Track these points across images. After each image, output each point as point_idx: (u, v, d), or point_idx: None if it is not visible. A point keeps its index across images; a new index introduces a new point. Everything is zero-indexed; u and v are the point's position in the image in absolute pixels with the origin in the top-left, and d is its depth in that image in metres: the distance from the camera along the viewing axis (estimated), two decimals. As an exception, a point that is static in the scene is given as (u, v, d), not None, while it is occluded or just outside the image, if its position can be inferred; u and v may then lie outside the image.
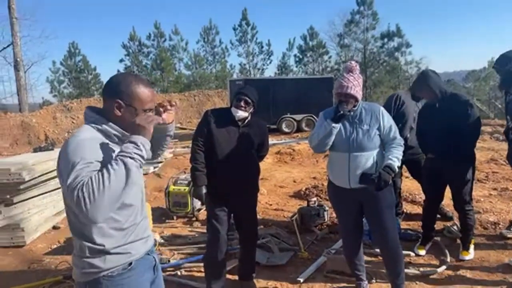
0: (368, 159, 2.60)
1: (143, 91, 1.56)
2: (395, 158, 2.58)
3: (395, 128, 2.69)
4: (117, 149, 1.50)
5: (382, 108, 2.70)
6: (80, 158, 1.38)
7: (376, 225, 2.75)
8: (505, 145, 9.50)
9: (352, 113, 2.65)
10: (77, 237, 1.52)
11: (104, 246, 1.50)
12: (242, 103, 2.87)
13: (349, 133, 2.64)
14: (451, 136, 3.30)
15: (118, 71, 32.91)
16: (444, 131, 3.32)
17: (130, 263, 1.58)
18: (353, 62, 2.70)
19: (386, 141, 2.69)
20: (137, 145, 1.43)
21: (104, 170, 1.35)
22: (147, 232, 1.72)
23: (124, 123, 1.55)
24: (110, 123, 1.54)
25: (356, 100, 2.64)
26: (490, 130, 11.76)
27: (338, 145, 2.69)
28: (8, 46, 20.94)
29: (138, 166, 1.42)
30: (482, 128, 3.95)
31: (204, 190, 2.89)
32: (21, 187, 4.42)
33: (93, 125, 1.53)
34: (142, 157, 1.44)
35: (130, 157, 1.39)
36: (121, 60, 32.78)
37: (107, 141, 1.52)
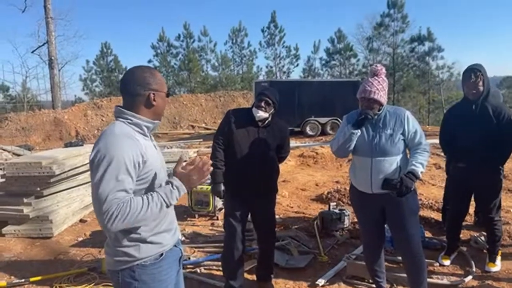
0: (391, 164, 2.55)
1: (161, 77, 1.72)
2: (419, 164, 2.51)
3: (420, 133, 2.61)
4: (144, 140, 1.62)
5: (407, 112, 2.63)
6: (115, 157, 1.47)
7: (398, 232, 2.68)
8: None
9: (375, 117, 2.61)
10: None
11: (140, 234, 1.58)
12: (263, 104, 2.88)
13: (371, 138, 2.59)
14: (487, 143, 3.16)
15: (147, 71, 33.62)
16: (481, 138, 3.16)
17: (161, 254, 1.66)
18: (378, 65, 2.64)
19: (411, 146, 2.62)
20: (179, 196, 1.59)
21: (143, 203, 1.49)
22: (175, 224, 1.79)
23: (158, 109, 1.69)
24: (141, 116, 1.64)
25: (380, 104, 2.59)
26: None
27: (360, 150, 2.65)
28: (43, 44, 21.84)
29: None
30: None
31: (222, 187, 2.93)
32: (51, 180, 4.60)
33: (124, 120, 1.63)
34: (174, 201, 1.59)
35: (167, 205, 1.55)
36: (149, 61, 33.55)
37: (137, 135, 1.61)
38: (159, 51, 33.46)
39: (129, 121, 1.63)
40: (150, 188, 1.60)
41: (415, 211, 2.68)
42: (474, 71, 3.19)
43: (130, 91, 1.65)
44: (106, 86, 33.88)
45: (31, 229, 4.56)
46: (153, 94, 1.66)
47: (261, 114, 2.88)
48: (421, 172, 2.51)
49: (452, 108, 3.62)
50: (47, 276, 3.47)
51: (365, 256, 3.00)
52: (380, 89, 2.55)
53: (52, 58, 20.68)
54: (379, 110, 2.60)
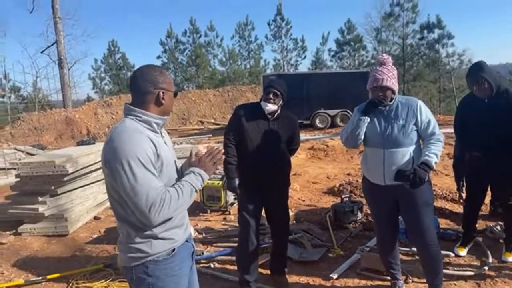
0: (404, 155, 2.51)
1: (169, 76, 1.77)
2: (433, 154, 2.46)
3: (434, 123, 2.56)
4: (154, 136, 1.64)
5: (420, 102, 2.58)
6: (138, 153, 1.50)
7: (412, 223, 2.65)
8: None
9: (387, 108, 2.56)
10: (125, 224, 1.61)
11: (152, 230, 1.60)
12: (271, 96, 2.86)
13: (383, 129, 2.55)
14: (500, 133, 3.12)
15: (155, 68, 33.78)
16: (495, 127, 3.12)
17: (173, 249, 1.67)
18: (384, 55, 2.64)
19: (424, 137, 2.58)
20: (203, 181, 1.68)
21: (177, 192, 1.58)
22: (186, 220, 1.80)
23: (166, 107, 1.73)
24: (150, 113, 1.66)
25: (393, 92, 2.56)
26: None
27: (372, 141, 2.62)
28: (52, 44, 22.03)
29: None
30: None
31: (237, 182, 2.93)
32: (65, 179, 4.65)
33: (133, 117, 1.65)
34: (199, 186, 1.68)
35: (196, 190, 1.65)
36: (158, 57, 33.65)
37: (147, 131, 1.63)
38: (167, 47, 33.53)
39: (138, 118, 1.65)
40: (166, 182, 1.62)
41: (430, 202, 2.64)
42: (477, 81, 3.15)
43: (140, 88, 1.67)
44: (115, 84, 34.10)
45: (47, 227, 4.63)
46: (163, 92, 1.69)
47: (270, 107, 2.86)
48: (435, 163, 2.46)
49: (465, 99, 3.54)
50: (63, 273, 3.52)
51: (379, 248, 2.97)
52: (390, 76, 2.53)
53: (62, 57, 20.87)
54: (391, 101, 2.56)
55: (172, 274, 1.67)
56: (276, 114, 2.93)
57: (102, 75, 34.19)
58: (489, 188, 3.58)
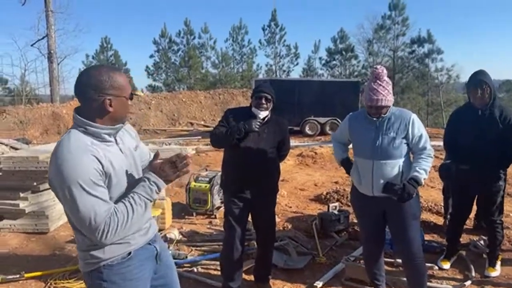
0: (393, 167, 2.51)
1: (123, 79, 1.58)
2: (423, 170, 2.47)
3: (425, 138, 2.56)
4: (105, 147, 1.54)
5: (413, 116, 2.57)
6: (80, 177, 1.41)
7: (399, 235, 2.65)
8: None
9: (380, 119, 2.56)
10: (77, 231, 1.56)
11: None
12: (263, 101, 2.83)
13: (374, 139, 2.54)
14: (491, 146, 3.16)
15: (147, 66, 33.68)
16: (486, 140, 3.16)
17: (129, 253, 1.62)
18: (379, 67, 2.55)
19: (415, 151, 2.57)
20: (159, 190, 1.59)
21: (127, 209, 1.50)
22: (148, 223, 1.74)
23: (116, 114, 1.58)
24: (98, 124, 1.53)
25: (388, 107, 2.55)
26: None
27: (362, 151, 2.61)
28: (43, 38, 21.67)
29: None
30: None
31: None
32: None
33: (80, 128, 1.53)
34: (156, 195, 1.61)
35: (150, 201, 1.59)
36: (151, 56, 33.48)
37: (96, 144, 1.52)
38: (160, 46, 33.39)
39: (83, 130, 1.52)
40: (119, 194, 1.57)
41: (417, 215, 2.65)
42: (480, 85, 3.15)
43: (84, 95, 1.52)
44: (105, 81, 33.82)
45: (27, 224, 4.51)
46: (109, 99, 1.52)
47: (263, 113, 2.84)
48: (424, 179, 2.47)
49: (458, 111, 3.58)
50: (42, 272, 3.43)
51: (364, 258, 2.97)
52: (386, 94, 2.48)
53: (52, 51, 20.58)
54: (385, 113, 2.56)
55: (130, 278, 1.62)
56: (266, 118, 2.90)
57: (93, 71, 33.85)
58: (475, 202, 3.61)
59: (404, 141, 2.53)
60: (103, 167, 1.48)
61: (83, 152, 1.46)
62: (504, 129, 3.15)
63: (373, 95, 2.46)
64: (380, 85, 2.48)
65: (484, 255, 3.61)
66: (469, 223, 4.46)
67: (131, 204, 1.51)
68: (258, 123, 2.74)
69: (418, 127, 2.55)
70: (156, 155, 1.67)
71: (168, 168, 1.59)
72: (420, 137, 2.54)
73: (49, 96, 21.61)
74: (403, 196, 2.40)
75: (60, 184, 1.42)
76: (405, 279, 2.90)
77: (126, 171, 1.61)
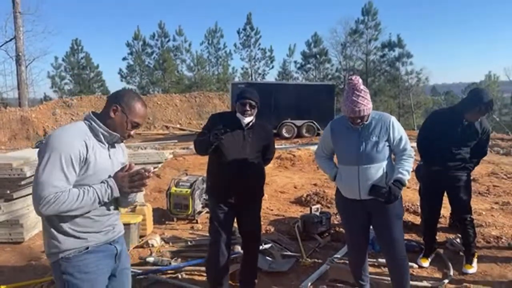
0: (377, 170, 2.58)
1: (139, 107, 1.87)
2: (405, 171, 2.56)
3: (405, 139, 2.65)
4: (97, 145, 1.78)
5: (392, 119, 2.65)
6: (63, 150, 1.64)
7: (384, 235, 2.72)
8: (505, 159, 9.57)
9: (361, 125, 2.61)
10: (43, 218, 1.73)
11: (62, 226, 1.71)
12: (247, 107, 2.83)
13: (357, 146, 2.60)
14: (465, 151, 3.41)
15: (120, 69, 33.01)
16: (461, 146, 3.39)
17: (87, 248, 1.76)
18: (354, 77, 2.58)
19: (396, 152, 2.66)
20: (111, 196, 1.75)
21: (78, 195, 1.65)
22: (111, 226, 1.88)
23: (113, 123, 1.83)
24: (100, 123, 1.80)
25: (369, 115, 2.60)
26: (490, 143, 11.76)
27: (347, 159, 2.67)
28: (10, 40, 20.87)
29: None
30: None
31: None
32: (22, 182, 4.38)
33: (86, 122, 1.81)
34: (106, 199, 1.75)
35: (100, 201, 1.72)
36: (124, 58, 32.81)
37: (92, 138, 1.77)
38: (134, 49, 32.78)
39: (89, 124, 1.80)
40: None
41: (400, 215, 2.73)
42: (490, 108, 3.30)
43: (108, 99, 1.87)
44: (77, 84, 32.84)
45: (1, 234, 4.32)
46: (116, 108, 1.81)
47: (248, 119, 2.85)
48: (407, 180, 2.56)
49: (438, 115, 3.70)
50: (17, 284, 3.30)
51: (349, 259, 3.02)
52: (366, 103, 2.52)
53: (20, 54, 19.83)
54: (366, 120, 2.61)
55: (86, 271, 1.74)
56: (251, 123, 2.91)
57: (63, 73, 32.84)
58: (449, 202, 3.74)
59: (386, 144, 2.60)
60: (87, 154, 1.70)
61: (78, 135, 1.72)
62: (481, 138, 3.43)
63: (355, 107, 2.50)
64: (359, 95, 2.51)
65: (461, 253, 3.75)
66: (445, 221, 4.63)
67: (83, 193, 1.67)
68: (216, 134, 2.67)
69: (398, 130, 2.63)
70: (127, 167, 1.81)
71: (127, 181, 1.77)
72: (400, 139, 2.62)
73: (17, 99, 20.79)
74: (389, 198, 2.49)
75: (46, 148, 1.65)
76: (388, 278, 2.97)
77: (105, 172, 1.78)
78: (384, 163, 2.60)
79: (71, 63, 32.77)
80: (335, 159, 2.90)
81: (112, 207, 1.88)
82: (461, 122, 3.37)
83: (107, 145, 1.83)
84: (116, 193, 1.74)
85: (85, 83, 32.93)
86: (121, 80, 33.24)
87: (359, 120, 2.57)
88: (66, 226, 1.71)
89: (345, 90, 2.63)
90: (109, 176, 1.79)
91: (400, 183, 2.51)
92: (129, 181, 1.76)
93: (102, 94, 27.62)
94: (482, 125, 3.41)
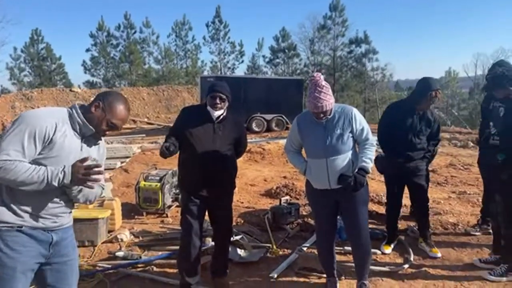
0: (344, 160, 2.71)
1: (120, 109, 1.93)
2: (368, 159, 2.72)
3: (367, 129, 2.80)
4: (70, 134, 1.83)
5: (354, 110, 2.79)
6: (30, 124, 1.70)
7: (350, 221, 2.88)
8: (462, 151, 10.11)
9: (325, 119, 2.72)
10: None
11: (5, 201, 1.75)
12: (218, 101, 2.85)
13: (323, 139, 2.72)
14: (422, 142, 3.68)
15: (84, 61, 31.86)
16: (419, 138, 3.65)
17: (21, 227, 1.77)
18: (315, 74, 2.71)
19: (359, 142, 2.81)
20: (61, 181, 1.74)
21: (28, 169, 1.67)
22: (55, 216, 1.87)
23: (92, 119, 1.89)
24: (80, 114, 1.86)
25: (331, 109, 2.72)
26: (448, 136, 12.39)
27: (315, 152, 2.78)
28: (-36, 29, 19.63)
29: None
30: (442, 134, 4.38)
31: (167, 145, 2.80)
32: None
33: (69, 109, 1.89)
34: (55, 183, 1.74)
35: (48, 182, 1.71)
36: (87, 50, 31.68)
37: (68, 126, 1.83)
38: (98, 40, 31.69)
39: (70, 112, 1.87)
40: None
41: (366, 201, 2.92)
42: (437, 93, 3.55)
43: (97, 95, 1.96)
44: (37, 76, 31.42)
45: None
46: (97, 104, 1.88)
47: (218, 113, 2.88)
48: (371, 167, 2.72)
49: (394, 107, 3.89)
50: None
51: (318, 247, 3.14)
52: (328, 98, 2.64)
53: (-26, 43, 18.70)
54: (329, 114, 2.73)
55: (11, 247, 1.74)
56: (221, 116, 2.94)
57: (22, 65, 31.29)
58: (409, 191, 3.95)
59: (350, 135, 2.74)
60: (54, 135, 1.74)
61: (51, 116, 1.79)
62: (433, 127, 3.72)
63: (317, 102, 2.63)
64: (321, 91, 2.64)
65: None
66: (406, 210, 4.86)
67: (33, 169, 1.69)
68: (167, 148, 2.77)
69: (360, 121, 2.77)
70: (84, 159, 1.80)
71: (82, 172, 1.76)
72: (362, 129, 2.77)
73: (-28, 92, 19.65)
74: (356, 186, 2.65)
75: (17, 120, 1.73)
76: (353, 264, 3.12)
77: (69, 160, 1.79)
78: (350, 153, 2.74)
79: (30, 54, 31.27)
80: (303, 152, 3.00)
81: (62, 198, 1.88)
82: (415, 112, 3.61)
83: (80, 136, 1.88)
84: (67, 180, 1.74)
85: (46, 75, 31.54)
86: (85, 73, 32.17)
87: (322, 115, 2.69)
88: (9, 200, 1.75)
89: (309, 86, 2.74)
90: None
91: (364, 171, 2.67)
92: (84, 173, 1.76)
93: (64, 87, 26.59)
94: (433, 115, 3.72)
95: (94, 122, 1.87)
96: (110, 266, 3.47)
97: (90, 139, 1.94)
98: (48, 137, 1.72)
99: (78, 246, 3.86)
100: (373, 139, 2.83)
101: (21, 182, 1.67)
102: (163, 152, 2.79)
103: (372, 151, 2.77)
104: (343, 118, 2.73)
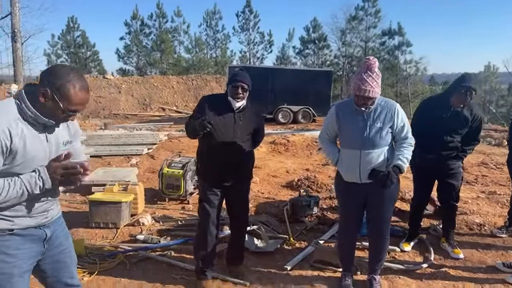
0: (379, 155, 2.64)
1: (75, 92, 1.63)
2: (405, 159, 2.62)
3: (408, 127, 2.70)
4: (28, 130, 1.61)
5: (397, 106, 2.69)
6: None
7: (374, 214, 2.85)
8: (496, 150, 9.68)
9: (367, 110, 2.63)
10: None
11: None
12: (240, 90, 2.83)
13: (362, 130, 2.64)
14: (458, 139, 3.46)
15: (117, 49, 32.67)
16: (452, 134, 3.42)
17: (12, 230, 1.68)
18: (371, 58, 2.56)
19: (397, 139, 2.72)
20: (42, 188, 1.61)
21: (3, 188, 1.54)
22: (45, 211, 1.80)
23: (44, 109, 1.63)
24: (29, 106, 1.61)
25: (375, 99, 2.60)
26: (483, 134, 11.85)
27: (350, 142, 2.71)
28: (6, 16, 20.49)
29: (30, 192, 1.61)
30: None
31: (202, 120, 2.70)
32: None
33: (17, 101, 1.63)
34: (37, 191, 1.61)
35: (29, 193, 1.59)
36: (121, 38, 32.43)
37: (22, 122, 1.60)
38: (132, 29, 32.37)
39: (18, 104, 1.62)
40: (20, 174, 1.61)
41: (394, 198, 2.86)
42: (470, 92, 3.26)
43: (41, 78, 1.63)
44: (73, 62, 32.47)
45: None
46: (45, 92, 1.59)
47: (240, 103, 2.87)
48: (405, 168, 2.63)
49: (428, 103, 3.69)
50: None
51: (341, 240, 3.12)
52: (375, 85, 2.52)
53: (16, 30, 19.51)
54: (372, 104, 2.63)
55: (6, 253, 1.68)
56: (242, 106, 2.93)
57: (59, 51, 32.44)
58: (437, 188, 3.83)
59: (390, 130, 2.65)
60: (11, 143, 1.54)
61: (2, 123, 1.53)
62: (472, 126, 3.44)
63: (362, 85, 2.50)
64: (370, 76, 2.51)
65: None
66: (430, 208, 4.72)
67: (8, 186, 1.56)
68: (202, 123, 2.66)
69: (402, 117, 2.67)
70: (65, 156, 1.67)
71: (59, 173, 1.63)
72: (403, 126, 2.68)
73: (12, 77, 20.57)
74: (387, 183, 2.56)
75: None
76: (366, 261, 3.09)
77: (37, 159, 1.64)
78: (386, 149, 2.67)
79: (67, 41, 32.37)
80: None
81: (47, 193, 1.74)
82: (449, 108, 3.38)
83: (41, 127, 1.66)
84: (48, 185, 1.62)
85: (82, 61, 32.59)
86: (118, 60, 32.97)
87: (363, 101, 2.57)
88: None
89: (359, 68, 2.63)
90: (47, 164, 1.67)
91: (398, 169, 2.58)
92: (62, 174, 1.64)
93: (98, 73, 27.37)
94: (473, 113, 3.40)
95: (49, 114, 1.63)
96: (130, 248, 3.59)
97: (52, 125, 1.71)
98: (6, 148, 1.54)
99: (102, 228, 4.09)
100: (412, 139, 2.72)
101: (1, 203, 1.57)
102: (199, 126, 2.66)
103: (409, 151, 2.66)
104: (386, 112, 2.63)
